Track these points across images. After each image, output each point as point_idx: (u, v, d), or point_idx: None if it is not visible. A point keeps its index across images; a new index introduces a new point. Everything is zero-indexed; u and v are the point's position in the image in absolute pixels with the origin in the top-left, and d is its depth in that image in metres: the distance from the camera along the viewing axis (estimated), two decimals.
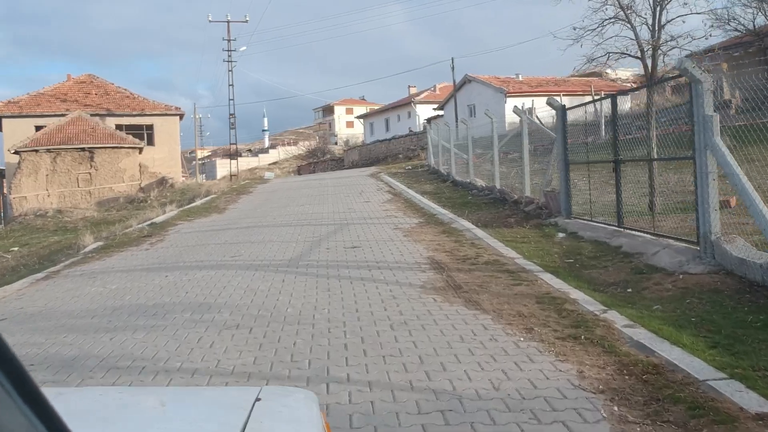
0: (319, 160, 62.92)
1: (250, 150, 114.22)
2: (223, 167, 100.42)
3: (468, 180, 21.53)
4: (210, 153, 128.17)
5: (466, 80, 44.03)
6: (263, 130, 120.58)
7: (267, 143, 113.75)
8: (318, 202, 20.24)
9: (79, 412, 1.75)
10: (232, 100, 43.34)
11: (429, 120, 48.18)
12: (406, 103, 55.10)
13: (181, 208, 22.23)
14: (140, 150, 38.63)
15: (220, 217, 18.71)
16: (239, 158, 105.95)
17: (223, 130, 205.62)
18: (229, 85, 43.79)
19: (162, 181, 35.90)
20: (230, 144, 45.36)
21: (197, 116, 58.97)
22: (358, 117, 67.41)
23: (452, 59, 44.12)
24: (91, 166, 36.40)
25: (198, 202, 24.31)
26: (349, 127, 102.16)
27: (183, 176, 77.15)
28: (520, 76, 44.58)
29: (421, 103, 53.46)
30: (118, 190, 36.55)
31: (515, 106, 16.85)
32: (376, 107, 67.60)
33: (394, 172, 31.09)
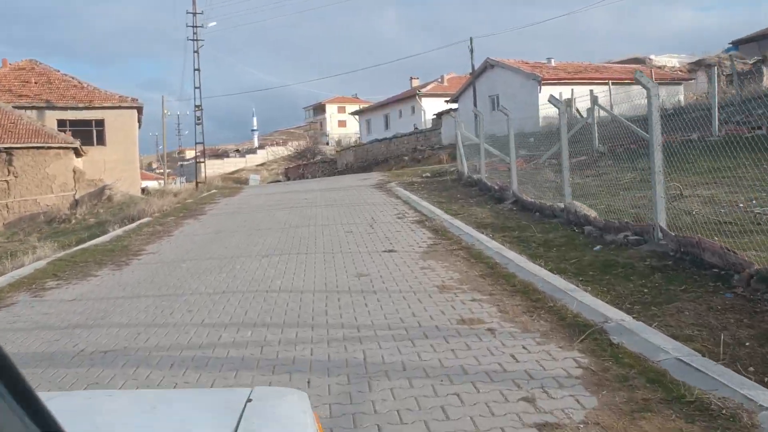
0: (308, 162, 53.21)
1: (238, 150, 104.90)
2: (209, 168, 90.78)
3: (560, 205, 11.92)
4: (199, 153, 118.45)
5: (488, 65, 34.45)
6: (252, 130, 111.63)
7: (256, 143, 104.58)
8: (297, 249, 10.58)
9: (67, 416, 1.32)
10: (198, 88, 33.46)
11: (439, 114, 38.58)
12: (409, 97, 45.45)
13: (64, 251, 12.52)
14: (76, 151, 28.79)
15: (98, 290, 8.88)
16: (225, 159, 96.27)
17: (212, 128, 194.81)
18: (195, 70, 33.84)
19: (102, 192, 26.14)
20: (196, 143, 35.49)
21: (165, 111, 48.94)
22: (353, 113, 57.62)
23: (470, 39, 34.58)
24: (9, 172, 26.56)
25: (110, 235, 14.60)
26: (341, 126, 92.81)
27: (161, 180, 67.17)
28: (552, 60, 35.10)
29: (427, 96, 43.85)
30: (46, 203, 26.77)
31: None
32: (367, 105, 57.74)
33: (409, 182, 21.51)
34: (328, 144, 77.87)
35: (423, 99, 43.67)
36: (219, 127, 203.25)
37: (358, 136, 77.71)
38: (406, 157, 36.24)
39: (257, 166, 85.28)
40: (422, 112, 43.81)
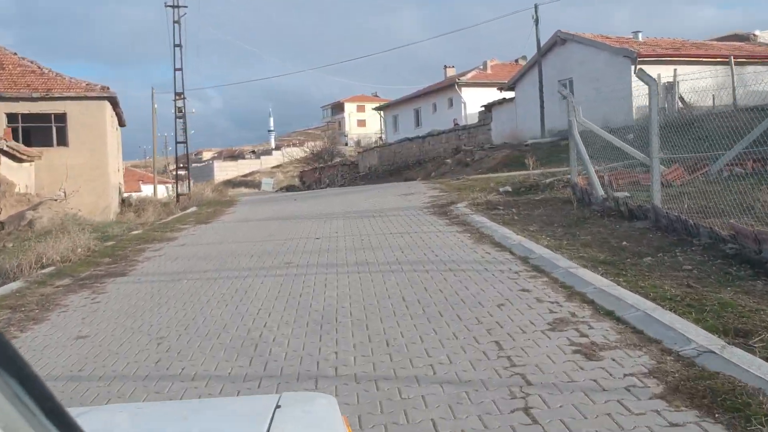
0: (326, 165, 44.48)
1: (253, 151, 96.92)
2: (222, 171, 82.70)
3: None
4: (216, 154, 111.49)
5: (558, 41, 25.35)
6: (269, 131, 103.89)
7: (273, 144, 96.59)
8: None
9: (99, 430, 1.44)
10: (180, 70, 24.54)
11: (488, 106, 29.58)
12: (446, 87, 36.42)
13: None
14: (10, 154, 20.27)
15: None
16: (240, 161, 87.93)
17: (230, 129, 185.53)
18: (175, 46, 24.86)
19: (23, 215, 17.48)
20: (176, 143, 26.55)
21: (154, 106, 40.13)
22: (377, 108, 48.64)
23: (535, 6, 25.45)
24: None
25: None
26: (360, 126, 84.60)
27: (170, 183, 58.97)
28: (639, 35, 26.00)
29: (467, 85, 34.87)
30: None
31: None
32: (394, 99, 48.38)
33: (484, 202, 12.63)
34: (347, 145, 69.21)
35: (463, 89, 34.67)
36: (237, 127, 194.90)
37: (379, 136, 68.72)
38: (449, 160, 27.30)
39: (272, 168, 77.13)
40: (462, 104, 34.73)
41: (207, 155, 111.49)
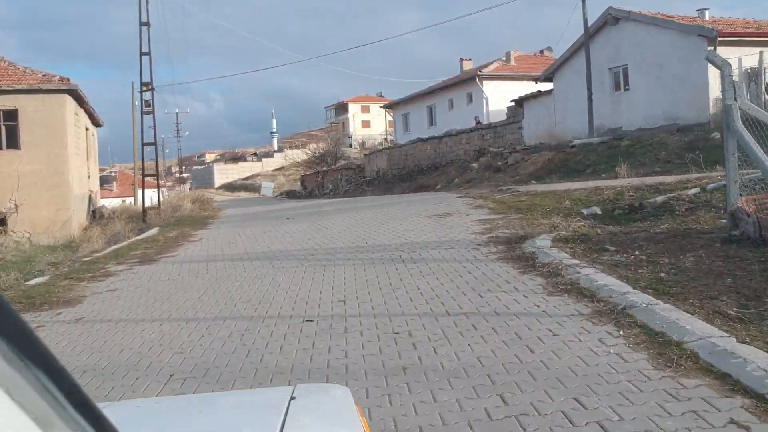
0: (329, 169, 39.61)
1: (255, 154, 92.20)
2: (222, 173, 77.93)
3: None
4: (218, 156, 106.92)
5: (609, 20, 20.35)
6: (271, 132, 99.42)
7: (275, 146, 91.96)
8: None
9: (117, 425, 1.21)
10: (147, 53, 19.59)
11: (520, 101, 24.65)
12: (465, 81, 31.39)
13: None
14: None
15: None
16: (241, 163, 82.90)
17: (230, 130, 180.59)
18: (142, 24, 19.71)
19: None
20: (143, 145, 21.36)
21: (135, 103, 34.94)
22: (385, 107, 43.68)
23: None
24: None
25: None
26: (365, 126, 79.98)
27: (170, 187, 54.12)
28: (706, 13, 21.10)
29: (489, 78, 29.92)
30: None
31: None
32: (404, 97, 43.00)
33: (574, 237, 7.74)
34: (351, 146, 64.37)
35: (485, 83, 29.73)
36: (240, 129, 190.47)
37: (384, 137, 63.71)
38: (474, 164, 22.38)
39: (274, 171, 72.37)
40: (484, 100, 29.76)
41: (209, 157, 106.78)
